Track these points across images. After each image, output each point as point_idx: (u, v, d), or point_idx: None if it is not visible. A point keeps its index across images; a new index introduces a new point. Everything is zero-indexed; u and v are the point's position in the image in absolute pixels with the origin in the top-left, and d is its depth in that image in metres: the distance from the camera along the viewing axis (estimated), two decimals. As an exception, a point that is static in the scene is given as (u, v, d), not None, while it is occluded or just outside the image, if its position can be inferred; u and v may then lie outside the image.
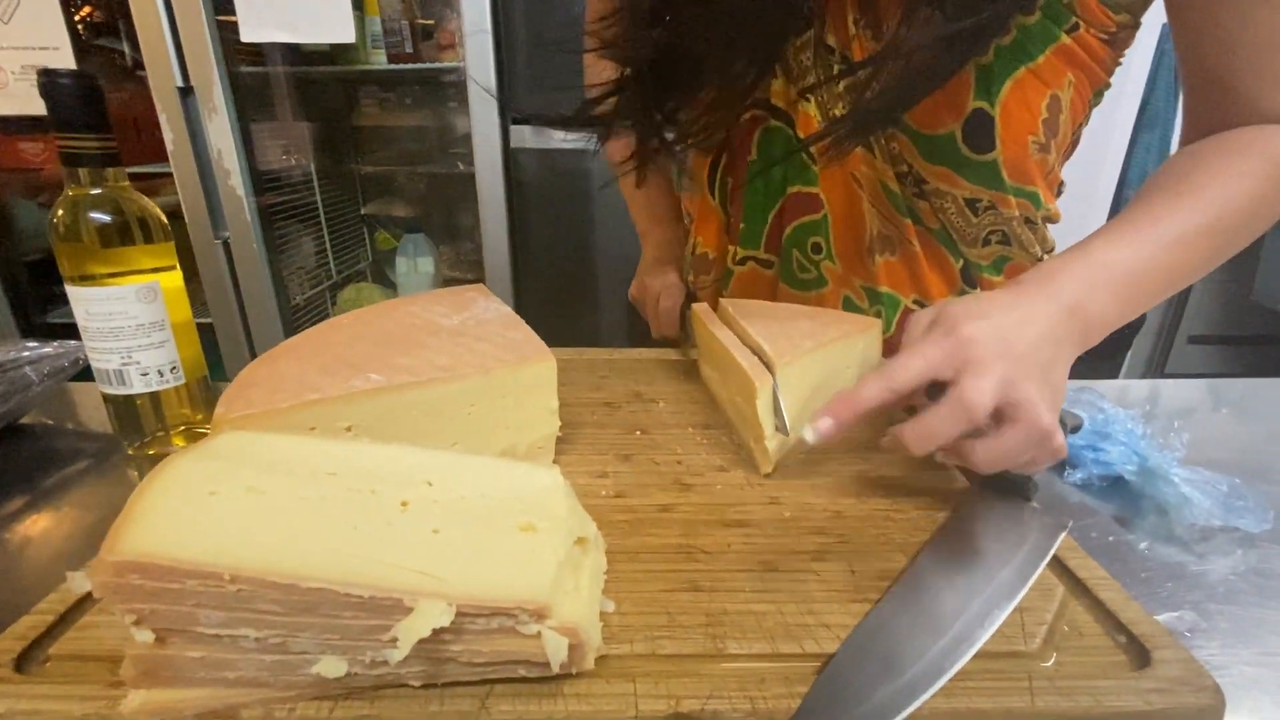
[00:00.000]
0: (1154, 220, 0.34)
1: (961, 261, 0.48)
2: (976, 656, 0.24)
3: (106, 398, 0.44)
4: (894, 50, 0.35)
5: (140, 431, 0.45)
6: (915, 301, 0.51)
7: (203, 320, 1.48)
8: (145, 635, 0.21)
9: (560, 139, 1.33)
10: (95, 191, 0.40)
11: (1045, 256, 0.50)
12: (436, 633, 0.21)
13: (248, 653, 0.21)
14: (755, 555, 0.31)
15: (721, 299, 0.47)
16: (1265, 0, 0.35)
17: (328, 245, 1.79)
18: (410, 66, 1.39)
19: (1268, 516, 0.38)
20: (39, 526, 0.40)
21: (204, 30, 1.22)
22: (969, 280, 0.49)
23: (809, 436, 0.31)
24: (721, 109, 0.43)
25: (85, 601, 0.27)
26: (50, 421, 0.52)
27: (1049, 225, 0.50)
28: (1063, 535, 0.31)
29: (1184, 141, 0.42)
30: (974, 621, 0.26)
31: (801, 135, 0.45)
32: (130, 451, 0.46)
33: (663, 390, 0.50)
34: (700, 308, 0.47)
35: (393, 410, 0.32)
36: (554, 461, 0.39)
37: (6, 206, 1.54)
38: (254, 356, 1.26)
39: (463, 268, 1.85)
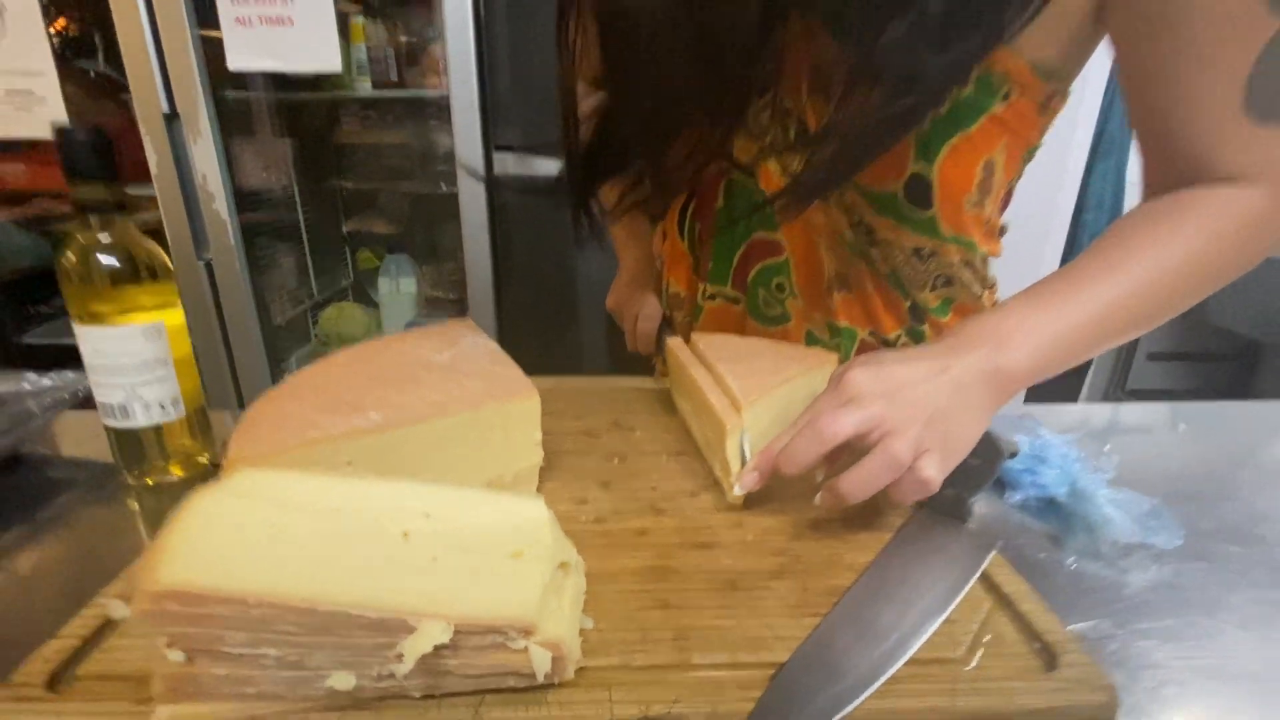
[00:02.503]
0: (1080, 283, 0.38)
1: (910, 301, 0.53)
2: (909, 663, 0.28)
3: (109, 429, 0.46)
4: (836, 128, 0.39)
5: (141, 461, 0.47)
6: (871, 334, 0.55)
7: (184, 341, 1.49)
8: (177, 655, 0.24)
9: (543, 168, 1.37)
10: (105, 237, 0.43)
11: (986, 293, 0.55)
12: (437, 649, 0.24)
13: (267, 669, 0.24)
14: (720, 575, 0.34)
15: (694, 334, 0.50)
16: (1207, 63, 0.37)
17: (309, 264, 1.80)
18: (395, 93, 1.42)
19: (1179, 534, 0.42)
20: (43, 555, 0.42)
21: (190, 57, 1.25)
22: (917, 317, 0.53)
23: (737, 490, 0.35)
24: (688, 166, 0.47)
25: (107, 626, 0.30)
26: (48, 451, 0.54)
27: (991, 260, 0.55)
28: (991, 555, 0.34)
29: (1145, 194, 0.45)
30: (908, 632, 0.29)
31: (763, 188, 0.50)
32: (130, 481, 0.48)
33: (640, 419, 0.53)
34: (675, 343, 0.50)
35: (390, 445, 0.35)
36: (538, 489, 0.42)
37: (-17, 225, 1.53)
38: (235, 378, 1.26)
39: (445, 287, 1.88)
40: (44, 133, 1.30)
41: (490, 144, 1.34)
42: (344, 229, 1.95)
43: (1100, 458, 0.49)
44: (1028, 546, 0.43)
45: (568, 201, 0.52)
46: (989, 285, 0.55)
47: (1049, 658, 0.29)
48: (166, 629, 0.23)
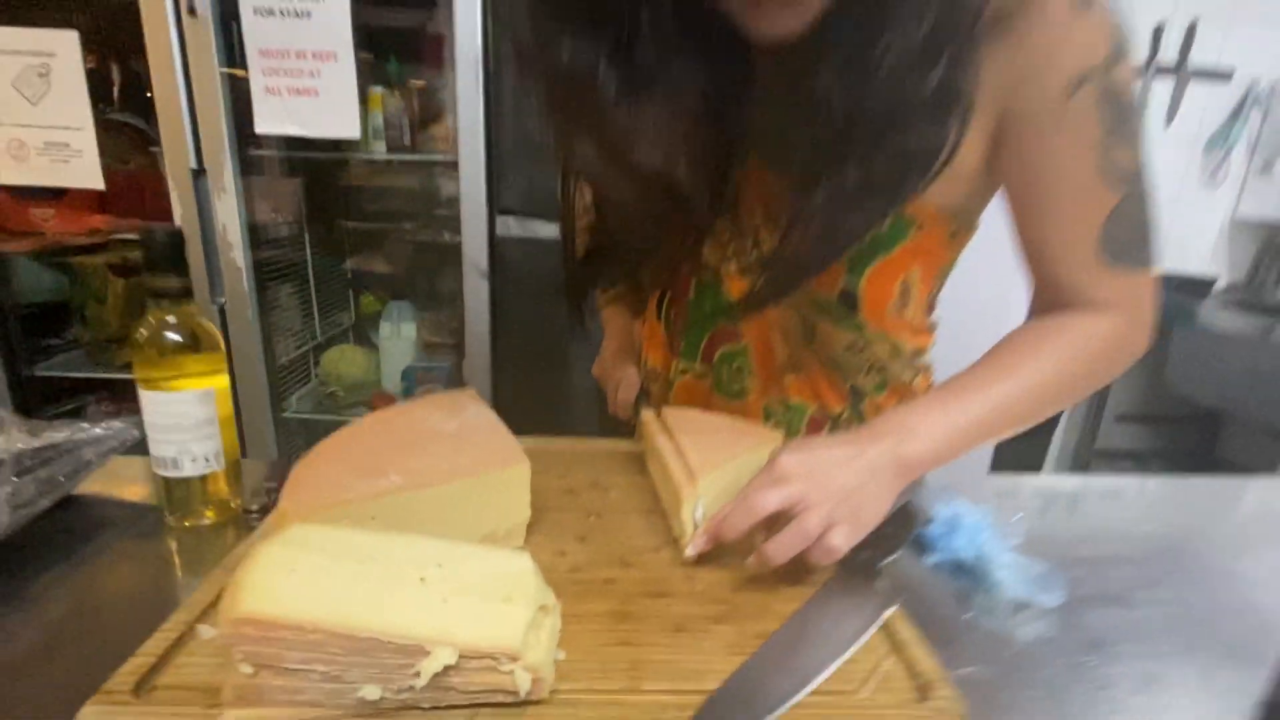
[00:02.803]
0: (971, 389, 0.48)
1: (850, 384, 0.62)
2: (813, 693, 0.36)
3: (161, 478, 0.53)
4: (781, 254, 0.49)
5: (184, 506, 0.54)
6: (819, 410, 0.64)
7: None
8: (247, 669, 0.31)
9: (542, 230, 1.47)
10: (172, 319, 0.51)
11: (919, 377, 0.64)
12: (445, 669, 0.31)
13: (314, 682, 0.32)
14: (671, 620, 0.42)
15: (664, 408, 0.59)
16: (1069, 219, 0.48)
17: (314, 306, 1.89)
18: (407, 156, 1.54)
19: (1061, 596, 0.50)
20: (99, 585, 0.49)
21: (220, 119, 1.35)
22: (857, 397, 0.63)
23: (689, 552, 0.43)
24: (662, 272, 0.56)
25: (177, 646, 0.37)
26: (93, 492, 0.61)
27: (924, 348, 0.64)
28: (890, 611, 0.42)
29: (1031, 310, 0.55)
30: (815, 669, 0.37)
31: (726, 287, 0.59)
32: (170, 523, 0.55)
33: (616, 479, 0.61)
34: (648, 415, 0.59)
35: (407, 504, 0.43)
36: (525, 541, 0.50)
37: (8, 262, 1.61)
38: (239, 416, 1.34)
39: (443, 333, 1.96)
40: (77, 182, 1.39)
41: (494, 207, 1.44)
42: (348, 272, 2.04)
43: (1008, 525, 0.58)
44: (937, 602, 0.51)
45: (565, 302, 0.61)
46: (919, 370, 0.64)
47: (923, 692, 0.37)
48: (242, 648, 0.31)
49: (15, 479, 0.50)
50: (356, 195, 1.88)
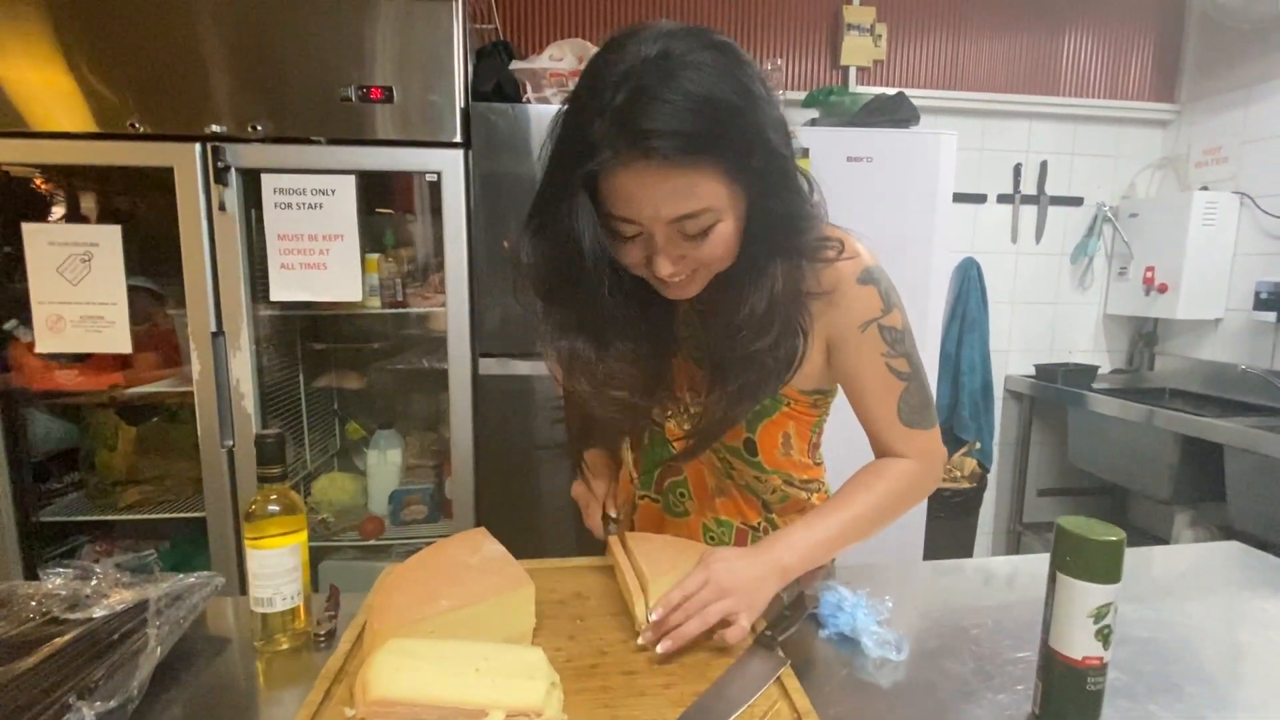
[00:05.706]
0: (828, 514, 0.72)
1: (761, 500, 0.86)
2: (727, 727, 0.56)
3: (256, 613, 0.72)
4: (701, 419, 0.73)
5: (270, 634, 0.73)
6: (742, 523, 0.87)
7: (196, 515, 1.70)
8: (374, 733, 0.51)
9: (518, 367, 1.71)
10: (273, 495, 0.72)
11: (815, 495, 0.88)
12: (497, 724, 0.51)
13: (415, 739, 0.51)
14: (635, 688, 0.62)
15: (626, 533, 0.81)
16: (875, 399, 0.74)
17: (306, 439, 2.06)
18: (399, 310, 1.78)
19: (905, 653, 0.72)
20: (217, 692, 0.66)
21: (239, 290, 1.59)
22: (767, 509, 0.86)
23: (639, 641, 0.64)
24: (627, 433, 0.80)
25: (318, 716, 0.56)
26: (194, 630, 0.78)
27: (814, 479, 0.88)
28: (782, 669, 0.64)
29: (875, 452, 0.80)
30: (728, 711, 0.58)
31: (669, 436, 0.84)
32: (257, 645, 0.73)
33: (593, 588, 0.82)
34: (612, 541, 0.81)
35: (454, 618, 0.63)
36: (533, 641, 0.70)
37: (24, 416, 1.76)
38: (239, 544, 1.55)
39: (424, 456, 2.13)
40: (108, 348, 1.59)
41: (477, 351, 1.68)
42: (335, 403, 2.23)
43: (880, 604, 0.80)
44: (826, 661, 0.72)
45: (570, 459, 0.86)
46: (815, 491, 0.88)
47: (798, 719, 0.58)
48: (373, 718, 0.50)
49: (158, 623, 0.68)
50: (349, 338, 2.11)
